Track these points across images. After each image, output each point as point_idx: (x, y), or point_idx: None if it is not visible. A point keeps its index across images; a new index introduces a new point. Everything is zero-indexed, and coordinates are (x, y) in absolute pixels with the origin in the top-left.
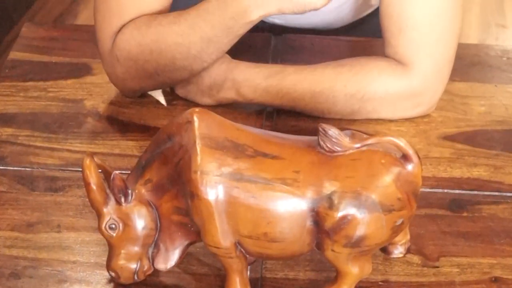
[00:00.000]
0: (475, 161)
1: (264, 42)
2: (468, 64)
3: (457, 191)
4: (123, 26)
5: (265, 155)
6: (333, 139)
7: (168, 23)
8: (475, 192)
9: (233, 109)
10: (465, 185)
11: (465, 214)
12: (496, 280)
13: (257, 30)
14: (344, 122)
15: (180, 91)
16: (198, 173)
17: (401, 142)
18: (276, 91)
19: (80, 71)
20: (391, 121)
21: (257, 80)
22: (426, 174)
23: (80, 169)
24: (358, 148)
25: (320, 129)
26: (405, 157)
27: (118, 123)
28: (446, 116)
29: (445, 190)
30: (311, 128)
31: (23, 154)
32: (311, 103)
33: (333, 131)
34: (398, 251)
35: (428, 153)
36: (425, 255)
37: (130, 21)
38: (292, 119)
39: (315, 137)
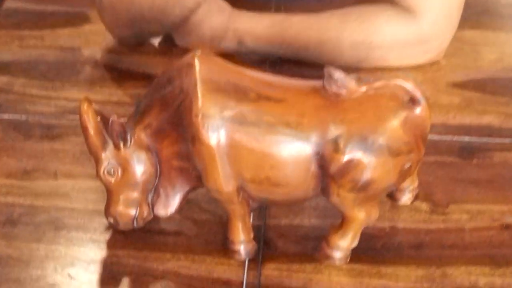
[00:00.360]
0: (485, 108)
1: None
2: (479, 11)
3: (466, 138)
4: None
5: (268, 98)
6: (339, 82)
7: None
8: (485, 139)
9: (235, 58)
10: (475, 132)
11: (475, 161)
12: (507, 227)
13: None
14: (350, 71)
15: (180, 43)
16: (200, 116)
17: (409, 85)
18: (280, 40)
19: (77, 19)
20: (398, 68)
21: (260, 29)
22: (435, 121)
23: (77, 116)
24: (364, 91)
25: (326, 71)
26: (413, 100)
27: (116, 71)
28: (455, 64)
29: (455, 137)
30: (315, 77)
31: (18, 102)
32: (316, 52)
33: (338, 74)
34: (405, 198)
35: (436, 100)
36: (434, 202)
37: None
38: (296, 67)
39: (320, 81)
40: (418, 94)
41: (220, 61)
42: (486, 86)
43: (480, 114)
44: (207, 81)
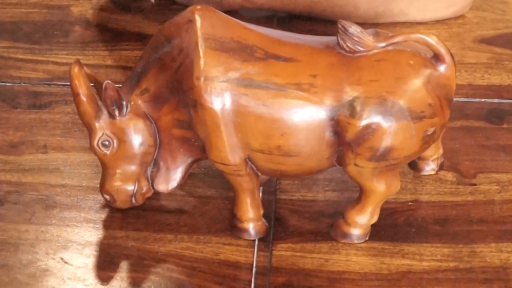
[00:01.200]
0: None
1: None
2: None
3: (496, 100)
4: None
5: (277, 57)
6: (355, 38)
7: None
8: None
9: (239, 15)
10: (505, 93)
11: (505, 125)
12: None
13: None
14: (366, 26)
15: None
16: (202, 79)
17: (432, 40)
18: None
19: None
20: (420, 23)
21: None
22: (461, 82)
23: (68, 83)
24: (383, 47)
25: (340, 26)
26: (437, 57)
27: (109, 31)
28: (482, 17)
29: (482, 100)
30: (329, 33)
31: (2, 68)
32: (329, 6)
33: (354, 28)
34: (429, 168)
35: (462, 58)
36: (461, 171)
37: None
38: (307, 23)
39: (334, 37)
40: (442, 50)
41: (223, 16)
42: None
43: (510, 73)
44: (209, 39)
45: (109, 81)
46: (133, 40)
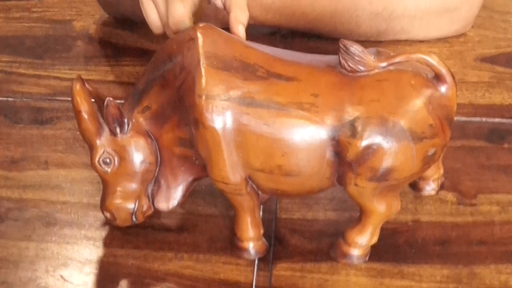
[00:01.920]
0: None
1: None
2: None
3: (497, 120)
4: None
5: (278, 76)
6: (356, 57)
7: None
8: None
9: None
10: (506, 112)
11: (506, 145)
12: None
13: None
14: (368, 44)
15: None
16: (203, 97)
17: (433, 60)
18: (291, 11)
19: None
20: (421, 41)
21: None
22: (462, 101)
23: (69, 98)
24: (384, 67)
25: (341, 45)
26: (438, 78)
27: (111, 46)
28: (484, 35)
29: (484, 119)
30: (331, 50)
31: (4, 83)
32: (331, 24)
33: (355, 47)
34: (430, 188)
35: (464, 76)
36: (461, 192)
37: None
38: (310, 41)
39: (336, 56)
40: (443, 70)
41: (225, 34)
42: None
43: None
44: (211, 57)
45: (111, 99)
46: (135, 56)
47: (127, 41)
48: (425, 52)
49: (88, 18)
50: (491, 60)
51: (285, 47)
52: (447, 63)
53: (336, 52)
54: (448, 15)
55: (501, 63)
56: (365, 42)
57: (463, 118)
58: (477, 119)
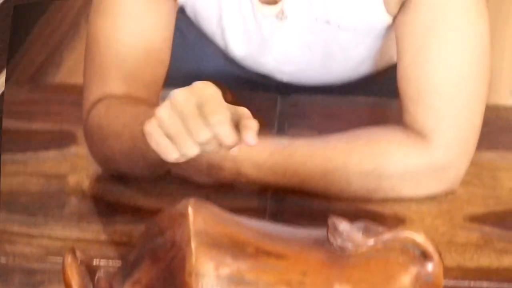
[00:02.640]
0: (506, 247)
1: (270, 104)
2: (497, 130)
3: (485, 284)
4: (103, 97)
5: (268, 253)
6: (344, 235)
7: (121, 111)
8: (506, 285)
9: (232, 187)
10: (494, 276)
11: None
12: None
13: (262, 89)
14: (359, 201)
15: (174, 169)
16: (193, 275)
17: (419, 239)
18: (283, 169)
19: (63, 139)
20: (411, 199)
21: (261, 157)
22: (450, 264)
23: (61, 260)
24: (372, 244)
25: (330, 223)
26: (425, 255)
27: (104, 203)
28: (473, 193)
29: (472, 283)
30: (323, 208)
31: None
32: (322, 182)
33: (344, 225)
34: None
35: (452, 237)
36: None
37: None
38: (301, 199)
39: (324, 231)
40: (430, 248)
41: (215, 210)
42: (506, 220)
43: (500, 254)
44: (201, 234)
45: (101, 274)
46: (128, 213)
47: (120, 197)
48: (414, 212)
49: (82, 172)
50: (480, 219)
51: (276, 205)
52: (436, 222)
53: (327, 212)
54: (437, 175)
55: (489, 223)
56: (355, 201)
57: (452, 281)
58: (466, 282)
